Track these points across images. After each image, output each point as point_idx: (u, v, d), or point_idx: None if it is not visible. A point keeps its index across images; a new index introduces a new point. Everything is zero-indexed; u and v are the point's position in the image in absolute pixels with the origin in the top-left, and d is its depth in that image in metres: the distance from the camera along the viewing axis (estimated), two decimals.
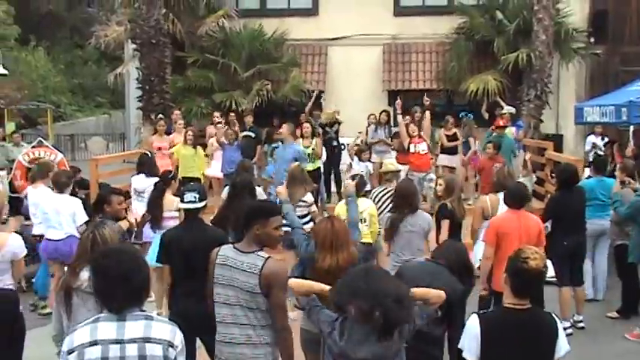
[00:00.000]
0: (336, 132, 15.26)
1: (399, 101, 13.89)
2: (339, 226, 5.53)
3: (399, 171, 9.86)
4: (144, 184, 10.12)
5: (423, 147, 13.11)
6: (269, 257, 4.50)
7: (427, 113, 13.89)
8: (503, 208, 7.98)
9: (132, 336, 3.37)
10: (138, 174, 10.50)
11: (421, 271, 5.14)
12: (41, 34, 39.73)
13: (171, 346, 3.43)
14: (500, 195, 8.16)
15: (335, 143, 14.96)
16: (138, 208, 9.80)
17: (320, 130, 14.52)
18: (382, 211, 8.53)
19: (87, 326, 3.43)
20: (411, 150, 13.07)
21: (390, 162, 9.51)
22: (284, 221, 7.58)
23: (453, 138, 14.68)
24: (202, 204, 6.19)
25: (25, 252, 5.72)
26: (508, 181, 8.32)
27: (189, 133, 13.41)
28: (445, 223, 7.90)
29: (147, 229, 8.66)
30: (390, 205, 8.20)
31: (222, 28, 19.18)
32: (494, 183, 8.57)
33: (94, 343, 3.36)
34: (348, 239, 5.52)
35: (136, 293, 3.44)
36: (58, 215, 8.73)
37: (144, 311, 3.48)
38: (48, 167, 10.40)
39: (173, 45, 18.11)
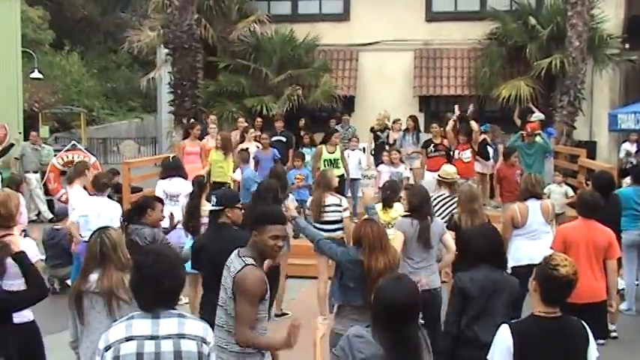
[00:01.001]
0: (387, 137, 15.32)
1: (457, 108, 13.98)
2: (381, 227, 5.59)
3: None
4: (179, 187, 9.96)
5: (467, 155, 13.09)
6: (250, 264, 4.35)
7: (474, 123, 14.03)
8: (533, 215, 7.91)
9: (166, 332, 3.45)
10: (167, 177, 10.20)
11: (485, 283, 5.05)
12: (75, 38, 40.23)
13: (205, 343, 3.51)
14: (529, 202, 8.03)
15: (387, 148, 14.88)
16: (171, 212, 9.29)
17: (372, 136, 14.92)
18: (440, 217, 8.21)
19: (122, 323, 3.51)
20: (455, 156, 13.03)
21: (453, 171, 9.25)
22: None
23: (482, 144, 14.54)
24: (220, 207, 6.15)
25: (38, 257, 5.52)
26: (537, 188, 8.19)
27: (219, 138, 13.41)
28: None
29: (174, 235, 8.59)
30: (451, 210, 8.26)
31: (254, 34, 19.27)
32: (522, 190, 8.35)
33: (129, 339, 3.43)
34: (389, 241, 5.62)
35: (164, 295, 3.50)
36: (98, 218, 8.49)
37: (176, 309, 3.55)
38: (85, 166, 10.45)
39: (205, 50, 18.26)
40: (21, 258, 4.88)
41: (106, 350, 3.45)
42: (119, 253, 4.78)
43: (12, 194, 5.73)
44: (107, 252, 4.74)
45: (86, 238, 8.46)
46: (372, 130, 15.49)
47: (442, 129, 14.11)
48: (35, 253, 5.43)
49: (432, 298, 6.78)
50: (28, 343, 5.39)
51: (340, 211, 8.86)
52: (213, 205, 6.13)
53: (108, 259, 4.73)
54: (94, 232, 4.98)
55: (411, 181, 13.98)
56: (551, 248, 6.89)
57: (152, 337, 3.43)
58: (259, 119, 16.05)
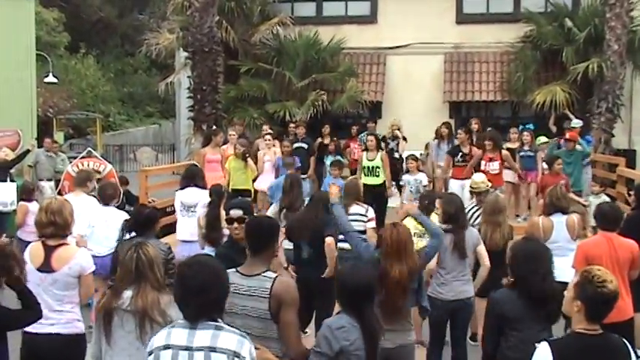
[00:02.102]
0: (397, 144, 15.02)
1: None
2: (402, 234, 5.56)
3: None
4: (195, 197, 9.52)
5: (495, 166, 12.55)
6: (277, 277, 4.37)
7: None
8: (558, 231, 7.67)
9: (200, 344, 3.50)
10: (185, 187, 9.77)
11: (518, 302, 4.78)
12: (91, 41, 40.17)
13: (237, 357, 3.49)
14: (554, 217, 7.76)
15: (397, 156, 14.64)
16: (187, 224, 9.24)
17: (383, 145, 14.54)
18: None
19: (165, 330, 3.67)
20: (482, 167, 12.44)
21: (481, 180, 9.10)
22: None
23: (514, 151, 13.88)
24: None
25: (93, 267, 5.54)
26: (562, 202, 7.87)
27: (238, 145, 12.96)
28: None
29: (193, 248, 8.29)
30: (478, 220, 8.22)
31: (277, 36, 19.24)
32: (547, 204, 7.99)
33: (167, 347, 3.57)
34: (412, 246, 5.64)
35: (208, 306, 3.55)
36: (107, 229, 8.24)
37: (217, 321, 3.58)
38: (87, 176, 9.83)
39: (226, 53, 18.01)
40: (15, 284, 4.83)
41: (149, 355, 3.62)
42: (155, 271, 4.54)
43: (66, 202, 5.74)
44: (143, 269, 4.49)
45: (93, 252, 7.96)
46: (382, 138, 15.01)
47: (468, 135, 13.47)
48: (91, 264, 5.55)
49: (464, 307, 6.96)
50: (68, 354, 5.43)
51: (364, 221, 8.58)
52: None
53: (143, 277, 4.48)
54: (130, 247, 4.65)
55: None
56: (573, 267, 6.69)
57: (186, 348, 3.51)
58: (292, 125, 15.76)
